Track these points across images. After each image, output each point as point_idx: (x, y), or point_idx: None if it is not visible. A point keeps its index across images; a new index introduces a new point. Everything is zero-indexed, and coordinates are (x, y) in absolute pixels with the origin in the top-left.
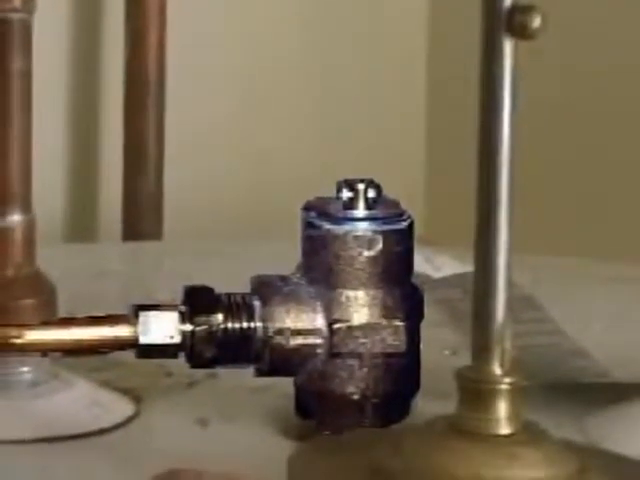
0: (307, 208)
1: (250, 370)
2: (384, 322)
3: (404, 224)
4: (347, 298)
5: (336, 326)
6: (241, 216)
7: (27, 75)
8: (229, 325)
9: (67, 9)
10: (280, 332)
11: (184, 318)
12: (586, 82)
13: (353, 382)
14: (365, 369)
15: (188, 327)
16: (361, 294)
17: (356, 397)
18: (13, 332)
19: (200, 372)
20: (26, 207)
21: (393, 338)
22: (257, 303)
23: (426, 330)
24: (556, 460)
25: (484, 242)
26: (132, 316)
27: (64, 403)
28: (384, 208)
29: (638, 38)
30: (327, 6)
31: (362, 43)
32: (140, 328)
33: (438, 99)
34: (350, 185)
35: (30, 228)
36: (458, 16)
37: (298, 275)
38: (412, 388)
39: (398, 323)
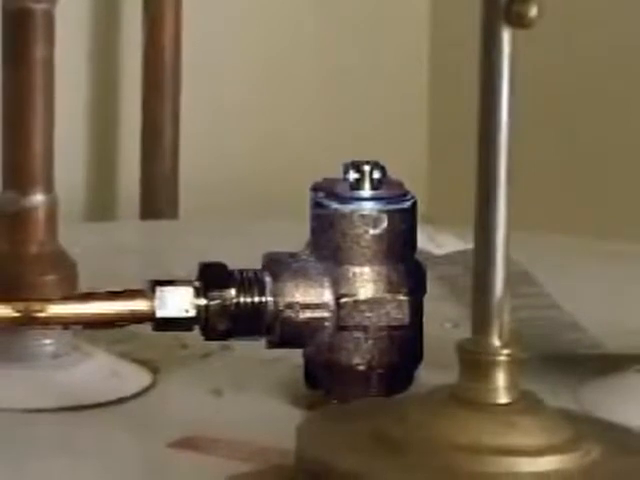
0: (316, 188)
1: (262, 342)
2: (389, 297)
3: (408, 204)
4: (353, 274)
5: (343, 300)
6: (253, 196)
7: (50, 62)
8: (241, 299)
9: (88, 0)
10: (290, 306)
11: (199, 293)
12: (582, 64)
13: (359, 354)
14: (370, 341)
15: (202, 301)
16: (367, 270)
17: (362, 368)
18: (36, 306)
19: (214, 344)
20: (48, 188)
21: (397, 312)
22: (268, 279)
23: (428, 304)
24: (552, 428)
25: (484, 221)
26: (149, 291)
27: (85, 374)
28: (389, 188)
29: (631, 20)
30: None
31: (367, 31)
32: (157, 302)
33: (440, 85)
34: (356, 167)
35: (52, 207)
36: (460, 4)
37: (307, 252)
38: (415, 359)
39: (402, 297)
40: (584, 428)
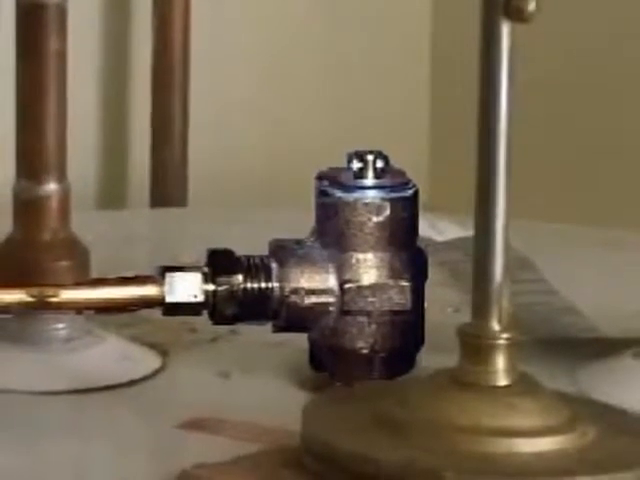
0: (320, 177)
1: (268, 326)
2: (391, 282)
3: (410, 192)
4: (357, 260)
5: (347, 286)
6: (259, 184)
7: (62, 55)
8: (248, 285)
9: None
10: (295, 291)
11: (207, 278)
12: (581, 55)
13: (363, 338)
14: (374, 326)
15: (211, 287)
16: (370, 256)
17: (365, 351)
18: (49, 291)
19: (222, 328)
20: (61, 176)
21: (399, 297)
22: (274, 265)
23: (430, 289)
24: (550, 409)
25: (483, 208)
26: (159, 277)
27: (96, 357)
28: (391, 177)
29: (629, 9)
30: None
31: (370, 26)
32: (166, 288)
33: (441, 78)
34: (360, 156)
35: (65, 196)
36: None
37: (312, 239)
38: (417, 343)
39: (404, 283)
40: (581, 410)
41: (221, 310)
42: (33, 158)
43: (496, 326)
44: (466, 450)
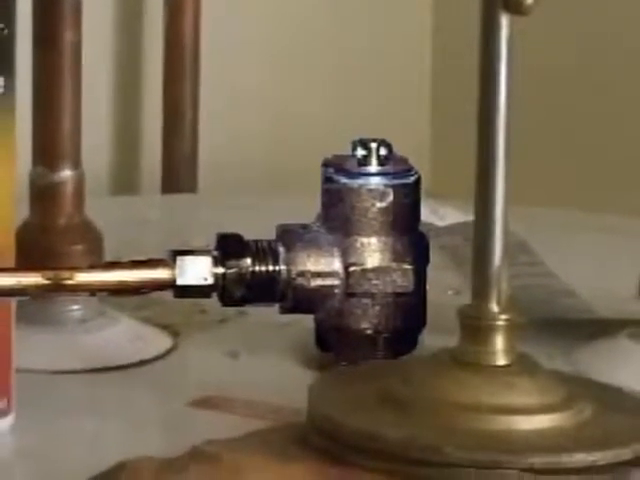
0: (326, 164)
1: (275, 308)
2: (394, 265)
3: (412, 178)
4: (361, 244)
5: (351, 269)
6: (267, 172)
7: (77, 46)
8: (256, 268)
9: None
10: (302, 274)
11: (216, 262)
12: (579, 43)
13: (367, 319)
14: (377, 307)
15: (220, 270)
16: (374, 240)
17: (369, 332)
18: (65, 274)
19: (231, 310)
20: (76, 163)
21: (402, 280)
22: (281, 249)
23: (431, 273)
24: (547, 388)
25: (483, 194)
26: (170, 260)
27: (110, 337)
28: (394, 164)
29: None
30: None
31: (374, 19)
32: (177, 271)
33: (442, 69)
34: (364, 144)
35: (79, 182)
36: None
37: (318, 224)
38: (419, 324)
39: (407, 266)
40: (577, 388)
41: (230, 292)
42: (49, 146)
43: (495, 308)
44: (466, 427)
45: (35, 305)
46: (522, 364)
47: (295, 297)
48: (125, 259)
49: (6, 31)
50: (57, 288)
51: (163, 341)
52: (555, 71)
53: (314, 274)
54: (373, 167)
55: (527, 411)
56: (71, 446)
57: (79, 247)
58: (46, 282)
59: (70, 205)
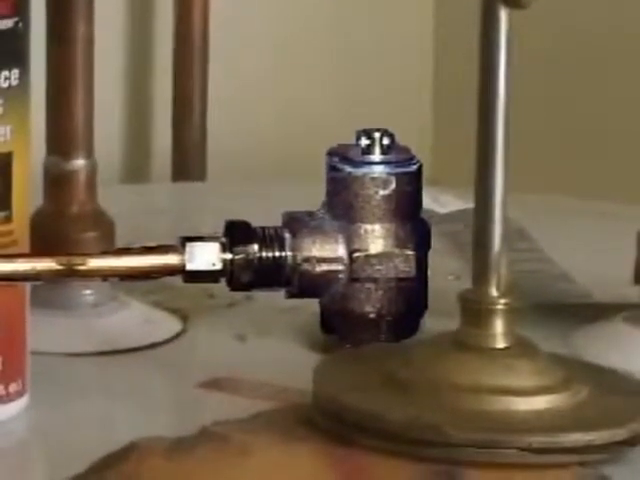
0: (331, 153)
1: (282, 292)
2: (397, 251)
3: (414, 167)
4: (365, 231)
5: (355, 255)
6: (274, 160)
7: (90, 39)
8: (263, 254)
9: None
10: (307, 260)
11: (225, 248)
12: (572, 34)
13: (370, 303)
14: (380, 292)
15: (228, 256)
16: (377, 227)
17: (373, 316)
18: (78, 260)
19: (238, 294)
20: (89, 152)
21: (404, 265)
22: (287, 235)
23: (433, 258)
24: (545, 370)
25: (483, 182)
26: (180, 246)
27: (121, 321)
28: (397, 153)
29: None
30: None
31: (376, 10)
32: (187, 257)
33: (444, 60)
34: (368, 134)
35: (92, 171)
36: None
37: (323, 211)
38: (421, 308)
39: (409, 252)
40: (574, 370)
41: (238, 277)
42: (63, 136)
43: (495, 292)
44: (466, 408)
45: (49, 290)
46: (521, 347)
47: (301, 282)
48: (136, 245)
49: (21, 25)
50: (70, 273)
51: (173, 325)
52: (553, 61)
53: (319, 260)
54: (376, 156)
55: (526, 392)
56: (84, 426)
57: (91, 234)
58: (60, 268)
59: (83, 193)
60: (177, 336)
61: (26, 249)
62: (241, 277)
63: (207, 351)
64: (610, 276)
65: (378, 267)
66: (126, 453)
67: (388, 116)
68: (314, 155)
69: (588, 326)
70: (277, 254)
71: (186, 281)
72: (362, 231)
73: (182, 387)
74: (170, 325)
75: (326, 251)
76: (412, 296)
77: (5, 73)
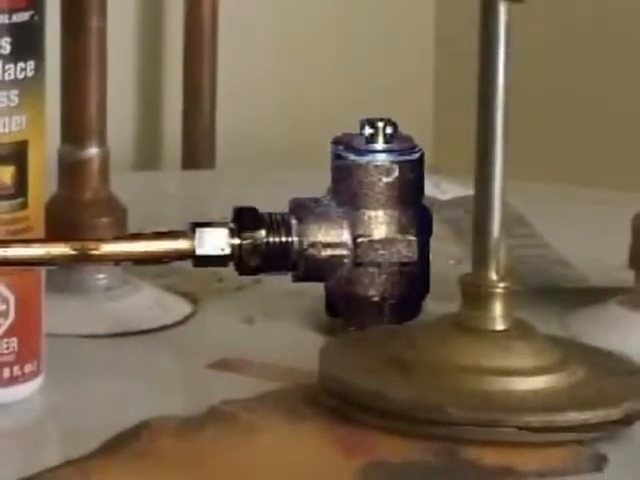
0: (335, 142)
1: (288, 277)
2: (399, 237)
3: (416, 155)
4: (369, 217)
5: (359, 240)
6: (280, 148)
7: (103, 31)
8: (270, 239)
9: None
10: (313, 245)
11: (233, 233)
12: (569, 26)
13: (374, 286)
14: (384, 276)
15: (236, 241)
16: (380, 214)
17: (376, 299)
18: (91, 245)
19: (246, 278)
20: (102, 141)
21: (407, 250)
22: (294, 221)
23: (434, 243)
24: (542, 351)
25: (483, 170)
26: (190, 232)
27: (133, 304)
28: (399, 142)
29: None
30: None
31: (379, 5)
32: (196, 242)
33: (444, 52)
34: (371, 123)
35: (105, 158)
36: None
37: (328, 198)
38: (423, 292)
39: (411, 238)
40: (571, 352)
41: (246, 262)
42: (76, 125)
43: (494, 276)
44: (467, 388)
45: (63, 274)
46: (519, 329)
47: (306, 266)
48: (147, 231)
49: (36, 17)
50: (84, 258)
51: (183, 308)
52: (551, 52)
53: (324, 245)
54: (380, 145)
55: (524, 373)
56: (97, 405)
57: (104, 220)
58: (73, 252)
59: (96, 180)
60: (187, 318)
61: (41, 234)
62: (249, 261)
63: (216, 333)
64: (606, 261)
65: (381, 252)
66: (138, 431)
67: (391, 106)
68: (319, 144)
69: (584, 309)
70: (284, 239)
71: (196, 265)
72: (366, 217)
73: (192, 368)
74: (180, 308)
75: (331, 236)
76: (414, 280)
77: (21, 64)
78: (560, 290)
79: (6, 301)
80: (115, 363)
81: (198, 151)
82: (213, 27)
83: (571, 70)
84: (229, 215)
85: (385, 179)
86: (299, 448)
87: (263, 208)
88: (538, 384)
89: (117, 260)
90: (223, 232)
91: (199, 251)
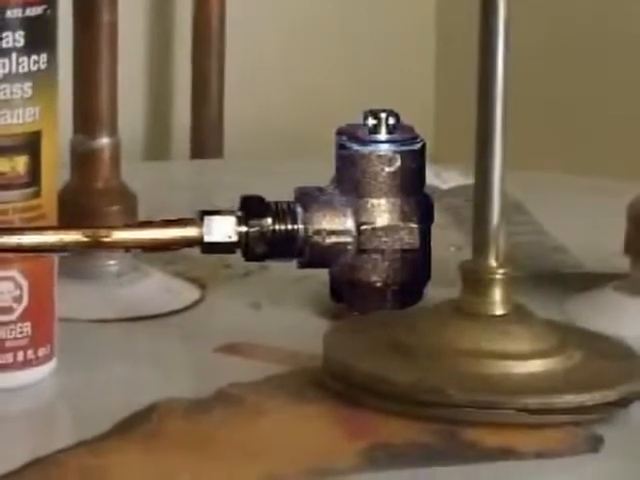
0: (340, 133)
1: (294, 263)
2: (402, 224)
3: (418, 145)
4: (372, 205)
5: (363, 227)
6: (286, 138)
7: (114, 25)
8: (277, 227)
9: None
10: (318, 232)
11: (240, 221)
12: (567, 18)
13: (377, 273)
14: (386, 262)
15: (243, 228)
16: (383, 202)
17: (379, 285)
18: (102, 232)
19: (253, 264)
20: (113, 131)
21: (409, 237)
22: (299, 209)
23: (435, 231)
24: (540, 335)
25: (483, 160)
26: (198, 220)
27: (143, 290)
28: (401, 132)
29: None
30: None
31: (382, 1)
32: (205, 229)
33: (445, 45)
34: (374, 114)
35: (116, 148)
36: None
37: (332, 187)
38: (424, 278)
39: (413, 225)
40: (568, 336)
41: (252, 249)
42: (88, 116)
43: (493, 262)
44: (467, 371)
45: (75, 261)
46: (518, 314)
47: (311, 253)
48: (157, 219)
49: (49, 12)
50: (95, 245)
51: (191, 293)
52: (549, 44)
53: (329, 232)
54: (382, 135)
55: (522, 356)
56: (107, 388)
57: (115, 208)
58: (85, 240)
59: (107, 169)
60: (195, 304)
61: (54, 222)
62: (256, 248)
63: (224, 318)
64: (602, 247)
65: (384, 239)
66: (148, 413)
67: (393, 97)
68: (324, 134)
69: (581, 294)
70: (289, 227)
71: (204, 252)
72: (369, 205)
73: (200, 352)
74: (189, 293)
75: (335, 224)
76: (416, 266)
77: (34, 57)
78: (557, 276)
79: (20, 287)
80: (125, 347)
81: (206, 141)
82: (221, 19)
83: (568, 60)
84: (236, 203)
85: (388, 168)
86: (304, 429)
87: (269, 197)
88: (536, 367)
89: (128, 247)
90: (231, 220)
91: (207, 238)
